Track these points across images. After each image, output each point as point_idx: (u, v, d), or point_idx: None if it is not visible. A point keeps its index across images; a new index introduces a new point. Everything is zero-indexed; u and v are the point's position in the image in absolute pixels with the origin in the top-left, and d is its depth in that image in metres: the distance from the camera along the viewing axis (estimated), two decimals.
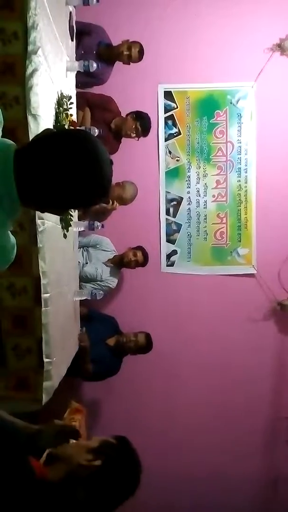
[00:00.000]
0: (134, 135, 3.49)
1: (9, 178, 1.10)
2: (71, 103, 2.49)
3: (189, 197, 4.02)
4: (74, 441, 1.51)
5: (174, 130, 3.99)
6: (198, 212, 4.03)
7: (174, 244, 4.05)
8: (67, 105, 2.40)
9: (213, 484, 3.97)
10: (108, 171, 1.15)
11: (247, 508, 4.08)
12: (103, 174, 1.14)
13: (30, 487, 1.26)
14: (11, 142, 1.17)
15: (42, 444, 1.46)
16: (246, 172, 3.99)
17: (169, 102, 3.97)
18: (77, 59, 2.85)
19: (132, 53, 3.44)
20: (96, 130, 2.85)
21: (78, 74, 2.80)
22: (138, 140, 3.55)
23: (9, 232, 1.22)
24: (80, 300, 2.93)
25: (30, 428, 1.51)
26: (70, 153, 1.11)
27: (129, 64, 3.50)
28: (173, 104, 3.97)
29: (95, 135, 2.82)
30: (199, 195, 4.02)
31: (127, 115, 3.54)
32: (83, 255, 3.59)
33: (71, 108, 2.47)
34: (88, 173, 1.12)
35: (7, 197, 1.12)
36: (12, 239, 1.24)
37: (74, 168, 1.11)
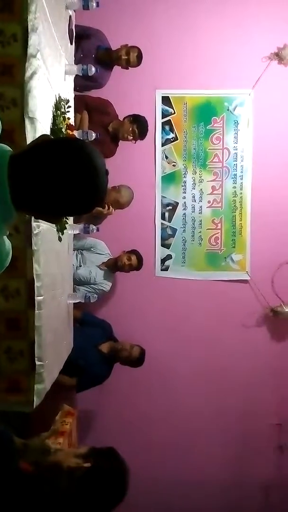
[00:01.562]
0: (131, 137, 3.50)
1: (3, 184, 1.10)
2: (69, 106, 2.49)
3: (185, 202, 4.04)
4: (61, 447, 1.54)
5: (171, 135, 4.01)
6: (193, 217, 4.04)
7: (168, 248, 4.06)
8: (64, 108, 2.40)
9: (206, 489, 3.97)
10: (103, 181, 1.14)
11: None
12: (99, 184, 1.13)
13: (11, 475, 1.26)
14: (7, 148, 1.17)
15: (27, 458, 1.47)
16: (241, 178, 4.02)
17: (166, 108, 3.99)
18: (76, 62, 2.85)
19: (130, 57, 3.45)
20: (94, 134, 2.86)
21: (77, 77, 2.80)
22: (135, 143, 3.56)
23: (5, 237, 1.22)
24: (74, 303, 2.92)
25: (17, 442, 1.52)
26: (66, 162, 1.11)
27: (128, 68, 3.52)
28: (170, 110, 3.99)
29: (93, 138, 2.84)
30: (195, 201, 4.03)
31: (124, 118, 3.55)
32: (77, 258, 3.58)
33: (68, 111, 2.48)
34: (83, 183, 1.11)
35: (1, 203, 1.11)
36: (8, 244, 1.23)
37: (69, 178, 1.10)
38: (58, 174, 1.10)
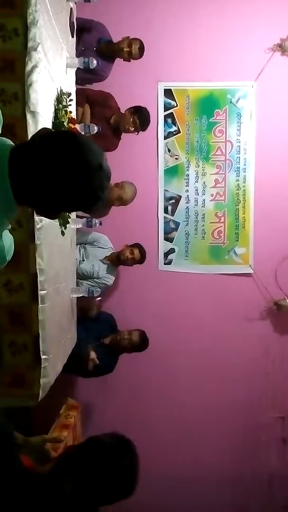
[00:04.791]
0: (133, 129, 3.47)
1: (4, 177, 1.10)
2: (71, 100, 2.49)
3: (188, 196, 4.02)
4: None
5: (174, 128, 3.99)
6: (196, 211, 4.03)
7: (172, 242, 4.05)
8: (66, 102, 2.39)
9: (209, 482, 3.99)
10: (94, 176, 1.13)
11: (242, 506, 4.10)
12: (87, 179, 1.12)
13: (16, 476, 1.26)
14: (9, 142, 1.17)
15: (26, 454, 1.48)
16: (244, 171, 4.00)
17: (169, 100, 3.97)
18: (77, 55, 2.84)
19: (132, 49, 3.42)
20: (96, 127, 2.85)
21: (78, 70, 2.79)
22: (137, 134, 3.54)
23: (7, 231, 1.22)
24: (77, 297, 2.93)
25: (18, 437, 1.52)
26: (57, 156, 1.11)
27: (129, 61, 3.49)
28: (173, 102, 3.97)
29: (95, 131, 2.83)
30: (198, 194, 4.02)
31: (125, 110, 3.54)
32: (80, 252, 3.59)
33: (70, 105, 2.47)
34: (71, 177, 1.11)
35: (3, 197, 1.12)
36: (10, 238, 1.24)
37: (59, 172, 1.11)
38: (49, 168, 1.11)
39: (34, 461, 1.48)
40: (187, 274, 4.03)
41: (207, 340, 3.99)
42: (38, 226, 1.89)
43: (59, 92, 2.29)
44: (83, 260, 3.60)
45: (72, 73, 2.70)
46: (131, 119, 3.44)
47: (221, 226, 4.04)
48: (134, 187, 3.58)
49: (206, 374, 4.01)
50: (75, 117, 2.72)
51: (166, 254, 4.05)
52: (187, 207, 4.03)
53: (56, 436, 1.95)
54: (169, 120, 3.99)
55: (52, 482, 1.32)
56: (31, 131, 1.80)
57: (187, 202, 4.03)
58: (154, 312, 3.97)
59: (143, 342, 3.46)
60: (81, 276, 3.49)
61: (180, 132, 3.99)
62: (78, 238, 3.19)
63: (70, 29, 2.66)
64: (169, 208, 4.04)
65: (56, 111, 2.23)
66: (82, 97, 3.28)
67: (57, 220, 2.27)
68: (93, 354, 3.15)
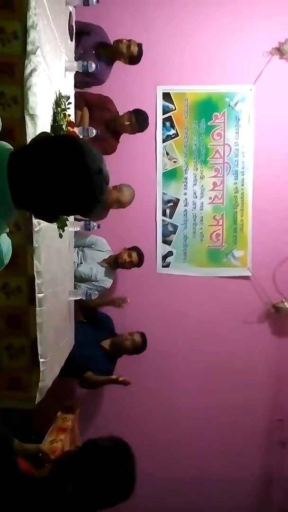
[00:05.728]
0: (128, 123, 3.46)
1: (3, 181, 1.10)
2: (69, 103, 2.49)
3: (186, 199, 4.03)
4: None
5: (172, 131, 4.00)
6: (194, 214, 4.04)
7: (170, 245, 4.06)
8: (65, 105, 2.40)
9: (207, 485, 3.98)
10: (94, 180, 1.13)
11: (241, 509, 4.09)
12: (86, 183, 1.13)
13: (15, 480, 1.26)
14: (8, 146, 1.17)
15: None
16: (243, 174, 4.01)
17: (167, 104, 3.98)
18: (76, 59, 2.85)
19: (131, 50, 3.41)
20: (94, 131, 2.86)
21: (77, 74, 2.79)
22: (134, 133, 3.54)
23: (5, 234, 1.22)
24: (75, 300, 2.92)
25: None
26: (55, 161, 1.11)
27: (128, 61, 3.46)
28: (171, 106, 3.98)
29: (93, 135, 2.83)
30: (196, 197, 4.03)
31: (124, 113, 3.54)
32: (78, 255, 3.59)
33: (69, 108, 2.47)
34: (69, 181, 1.11)
35: (1, 200, 1.12)
36: (7, 241, 1.24)
37: (57, 176, 1.11)
38: (49, 172, 1.11)
39: (30, 465, 1.49)
40: (185, 277, 4.03)
41: (205, 343, 3.99)
42: (36, 229, 1.89)
43: (57, 95, 2.29)
44: (81, 263, 3.60)
45: (71, 76, 2.71)
46: (127, 117, 3.46)
47: (219, 229, 4.05)
48: (132, 190, 3.58)
49: (205, 377, 4.01)
50: (74, 121, 2.72)
51: (164, 257, 4.06)
52: (185, 210, 4.04)
53: (47, 452, 1.95)
54: (168, 124, 3.99)
55: (51, 486, 1.32)
56: (30, 134, 1.81)
57: (185, 205, 4.03)
58: (152, 315, 3.97)
59: (144, 343, 3.49)
60: (79, 279, 3.49)
61: (178, 136, 4.00)
62: (76, 240, 3.19)
63: (69, 33, 2.67)
64: (167, 211, 4.05)
65: (55, 114, 2.23)
66: (81, 100, 3.28)
67: (55, 223, 2.27)
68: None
